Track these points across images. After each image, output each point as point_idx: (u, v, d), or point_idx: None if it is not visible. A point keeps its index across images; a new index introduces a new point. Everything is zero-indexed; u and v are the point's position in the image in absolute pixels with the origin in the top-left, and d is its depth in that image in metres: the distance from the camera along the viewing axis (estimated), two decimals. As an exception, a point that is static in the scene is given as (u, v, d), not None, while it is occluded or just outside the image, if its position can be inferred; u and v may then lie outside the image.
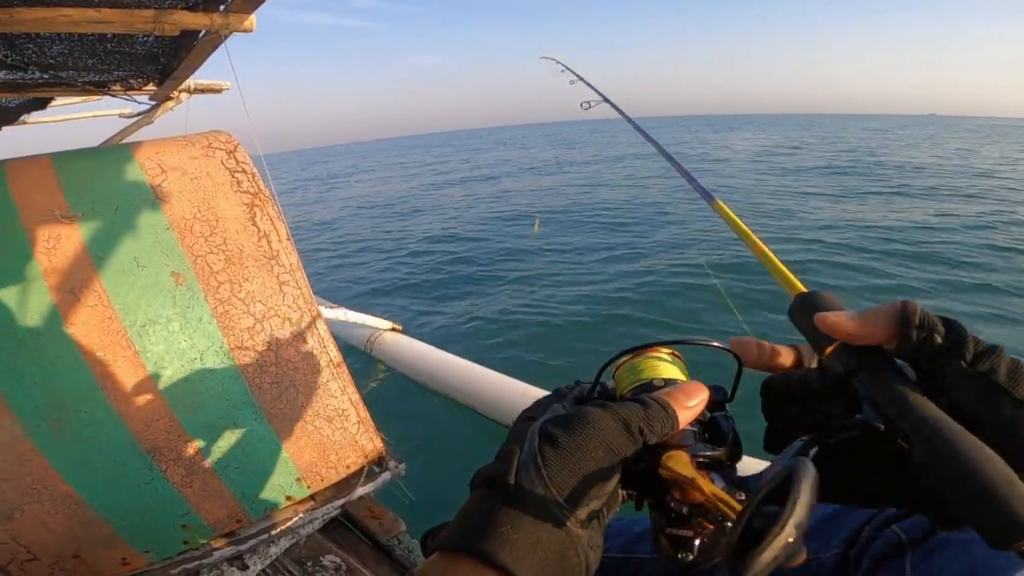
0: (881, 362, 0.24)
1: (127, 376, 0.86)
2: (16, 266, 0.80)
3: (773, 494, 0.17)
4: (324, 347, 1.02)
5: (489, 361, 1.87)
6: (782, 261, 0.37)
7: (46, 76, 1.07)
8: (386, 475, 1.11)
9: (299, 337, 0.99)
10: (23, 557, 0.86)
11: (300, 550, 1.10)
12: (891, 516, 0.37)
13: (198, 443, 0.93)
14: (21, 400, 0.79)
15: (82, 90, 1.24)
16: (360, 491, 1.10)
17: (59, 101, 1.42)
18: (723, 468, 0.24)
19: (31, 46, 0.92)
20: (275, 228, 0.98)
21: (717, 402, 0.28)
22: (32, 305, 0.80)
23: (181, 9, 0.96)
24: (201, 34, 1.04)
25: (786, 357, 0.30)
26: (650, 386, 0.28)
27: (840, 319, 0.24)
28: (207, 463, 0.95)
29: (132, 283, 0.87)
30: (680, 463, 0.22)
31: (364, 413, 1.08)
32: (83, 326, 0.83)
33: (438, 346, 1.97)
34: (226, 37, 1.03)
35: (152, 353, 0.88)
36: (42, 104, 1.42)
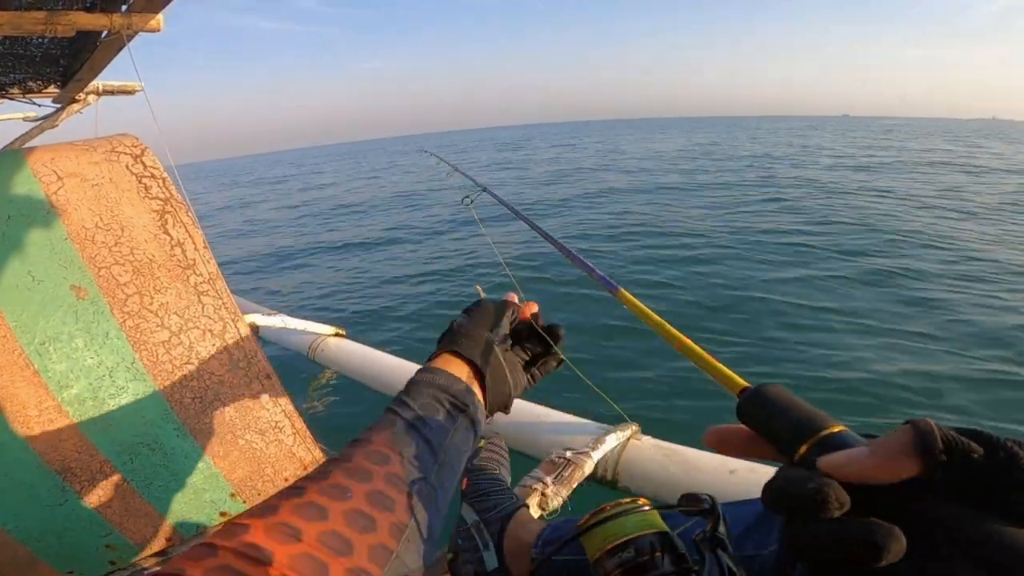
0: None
1: (28, 396, 0.81)
2: None
3: None
4: (251, 358, 0.97)
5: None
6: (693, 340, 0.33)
7: None
8: (326, 485, 1.08)
9: (223, 349, 0.94)
10: None
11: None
12: None
13: (114, 462, 0.88)
14: (-96, 428, 0.73)
15: None
16: (299, 502, 1.06)
17: None
18: None
19: None
20: (190, 236, 0.92)
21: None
22: (-91, 327, 0.73)
23: (77, 10, 0.88)
24: (103, 34, 0.96)
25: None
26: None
27: (857, 463, 0.19)
28: (126, 483, 0.90)
29: (28, 299, 0.81)
30: None
31: (300, 424, 1.03)
32: (-28, 347, 0.77)
33: (381, 349, 1.92)
34: (130, 38, 0.95)
35: (55, 372, 0.82)
36: None
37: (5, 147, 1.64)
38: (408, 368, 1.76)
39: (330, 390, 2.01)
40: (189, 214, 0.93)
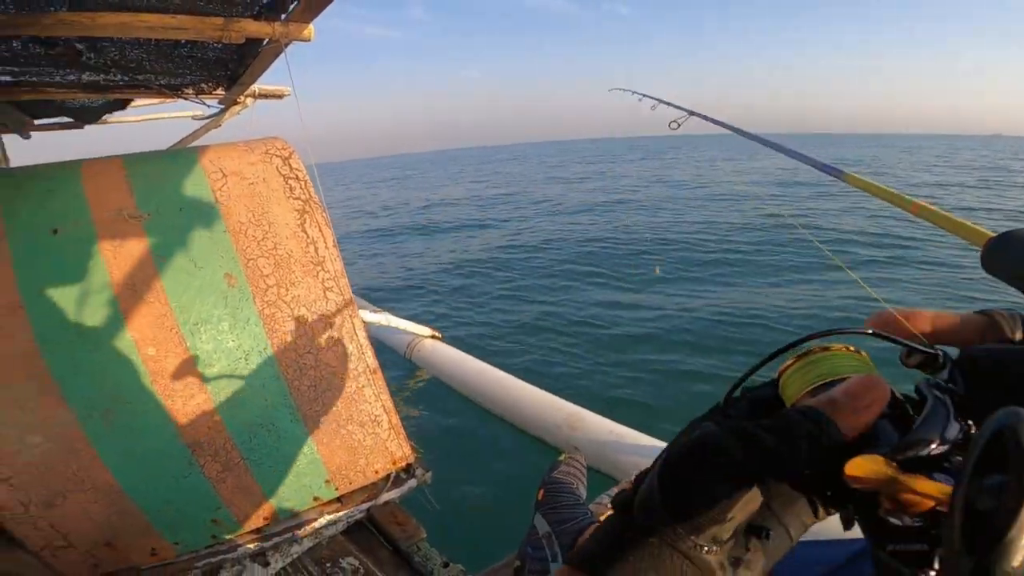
0: None
1: (178, 372, 0.88)
2: (83, 261, 0.82)
3: (986, 461, 0.14)
4: (362, 353, 1.03)
5: (525, 372, 1.88)
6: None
7: (126, 78, 1.10)
8: (412, 482, 1.11)
9: (339, 342, 1.00)
10: (58, 543, 0.86)
11: (321, 550, 1.09)
12: None
13: (236, 440, 0.94)
14: (76, 390, 0.81)
15: (158, 92, 1.28)
16: (386, 496, 1.09)
17: (137, 102, 1.47)
18: (943, 461, 0.19)
19: (112, 49, 0.95)
20: (322, 235, 1.00)
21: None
22: (95, 299, 0.82)
23: (246, 18, 0.99)
24: (264, 42, 1.07)
25: (947, 323, 0.24)
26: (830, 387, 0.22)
27: None
28: (243, 461, 0.96)
29: (189, 283, 0.89)
30: (867, 467, 0.18)
31: (396, 420, 1.08)
32: (140, 322, 0.85)
33: (476, 356, 1.96)
34: (286, 45, 1.06)
35: (202, 351, 0.89)
36: (122, 105, 1.47)
37: (176, 143, 1.79)
38: (499, 378, 1.76)
39: (420, 389, 2.04)
40: (324, 214, 1.01)
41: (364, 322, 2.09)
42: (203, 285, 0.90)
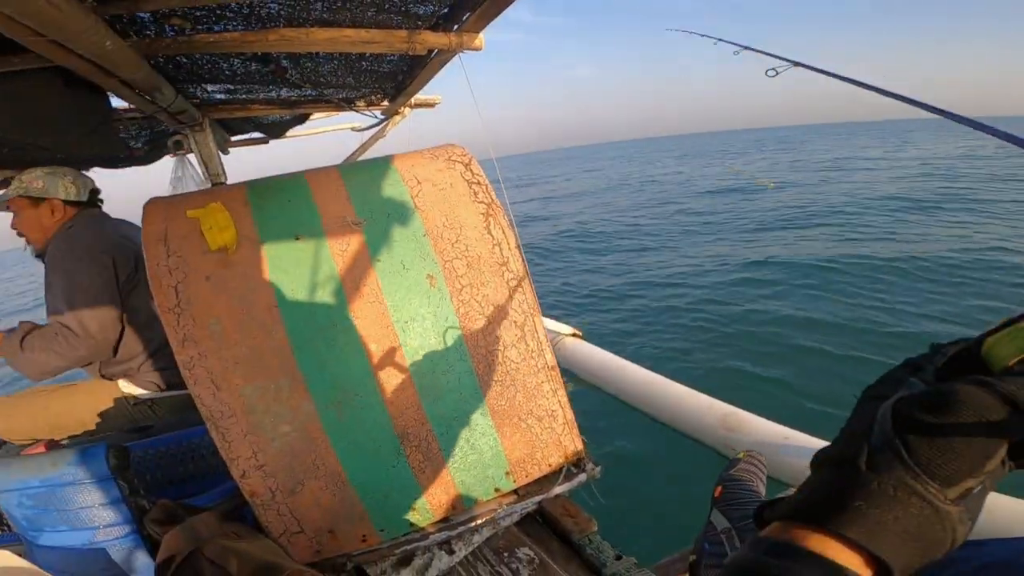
0: None
1: (392, 365, 0.94)
2: (319, 265, 0.89)
3: None
4: (542, 350, 1.05)
5: (673, 370, 1.85)
6: None
7: (314, 93, 1.20)
8: (582, 476, 1.13)
9: (522, 339, 1.04)
10: (293, 529, 0.94)
11: (498, 540, 1.13)
12: None
13: (436, 432, 0.99)
14: (317, 383, 0.88)
15: (336, 106, 1.38)
16: (558, 489, 1.11)
17: (313, 116, 1.60)
18: None
19: (309, 65, 1.04)
20: (506, 236, 1.04)
21: None
22: (330, 299, 0.89)
23: (426, 30, 1.05)
24: (434, 52, 1.13)
25: None
26: None
27: None
28: (440, 451, 1.00)
29: (399, 283, 0.94)
30: None
31: (570, 415, 1.10)
32: (364, 319, 0.91)
33: (617, 353, 1.98)
34: (453, 56, 1.11)
35: (410, 346, 0.95)
36: (304, 119, 1.60)
37: (351, 155, 1.94)
38: (643, 375, 1.75)
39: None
40: (506, 217, 1.05)
41: None
42: (411, 285, 0.95)
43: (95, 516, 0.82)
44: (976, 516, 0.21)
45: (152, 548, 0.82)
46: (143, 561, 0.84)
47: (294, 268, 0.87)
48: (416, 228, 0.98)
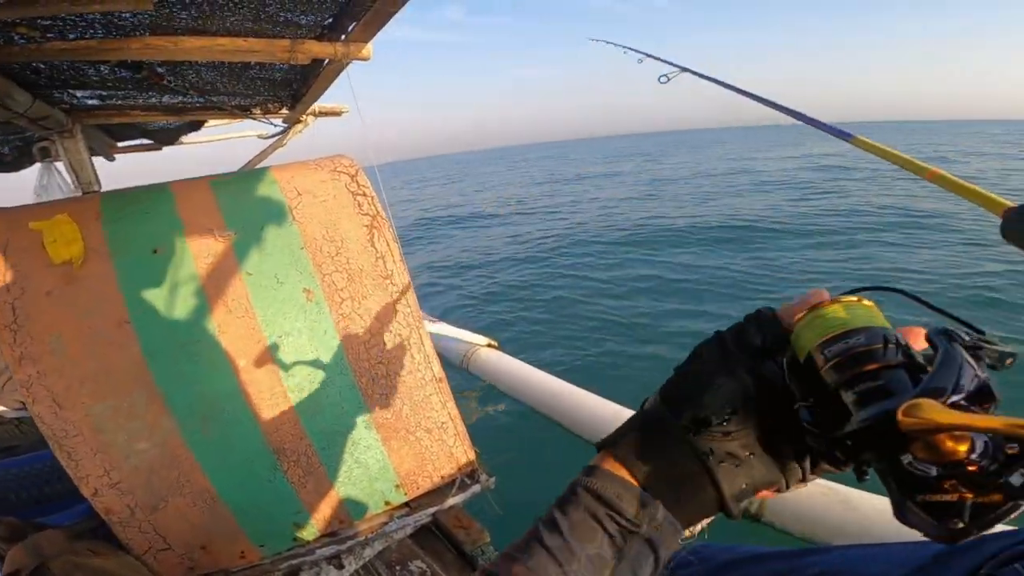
0: None
1: (264, 381, 0.92)
2: (182, 279, 0.87)
3: None
4: (429, 363, 1.05)
5: (583, 380, 1.83)
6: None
7: (202, 100, 1.17)
8: (476, 487, 1.12)
9: (407, 352, 1.03)
10: (159, 547, 0.92)
11: (391, 554, 1.12)
12: (1015, 554, 0.33)
13: (316, 447, 0.97)
14: (178, 399, 0.86)
15: (230, 113, 1.35)
16: (451, 501, 1.11)
17: (209, 123, 1.56)
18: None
19: (191, 72, 1.01)
20: (390, 249, 1.03)
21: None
22: (193, 314, 0.87)
23: (311, 39, 1.03)
24: (325, 62, 1.12)
25: None
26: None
27: None
28: (321, 466, 0.99)
29: (273, 297, 0.93)
30: (929, 410, 0.18)
31: (461, 427, 1.10)
32: (232, 334, 0.89)
33: (534, 364, 1.97)
34: (347, 65, 1.10)
35: (286, 362, 0.93)
36: (197, 126, 1.56)
37: (248, 163, 1.90)
38: (555, 386, 1.76)
39: (478, 398, 2.07)
40: (391, 230, 1.04)
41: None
42: (285, 299, 0.94)
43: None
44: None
45: (-6, 569, 0.79)
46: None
47: (151, 282, 0.85)
48: (293, 241, 0.96)
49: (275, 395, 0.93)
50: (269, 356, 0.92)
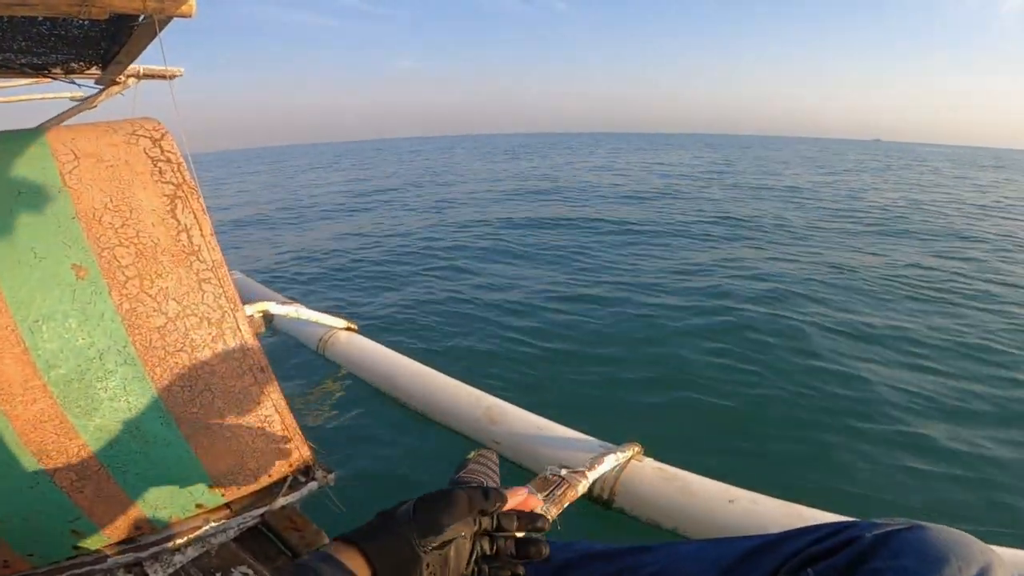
0: None
1: (15, 374, 0.77)
2: None
3: None
4: (246, 350, 0.94)
5: (446, 365, 1.80)
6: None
7: None
8: (312, 485, 1.04)
9: (218, 339, 0.92)
10: None
11: (211, 559, 1.01)
12: (807, 558, 0.34)
13: (92, 447, 0.84)
14: None
15: (20, 72, 1.14)
16: (282, 501, 1.01)
17: (2, 83, 1.32)
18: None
19: None
20: (197, 222, 0.91)
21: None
22: (-99, 292, 0.71)
23: None
24: (141, 18, 0.96)
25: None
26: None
27: None
28: (103, 468, 0.86)
29: (28, 275, 0.78)
30: None
31: (290, 420, 1.00)
32: (-37, 318, 0.74)
33: (395, 348, 1.86)
34: (162, 24, 0.95)
35: (44, 350, 0.79)
36: None
37: (41, 124, 1.63)
38: (417, 371, 1.69)
39: (333, 387, 1.93)
40: (200, 201, 0.92)
41: (270, 314, 1.97)
42: (45, 277, 0.79)
43: None
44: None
45: None
46: None
47: None
48: (61, 210, 0.82)
49: (31, 390, 0.78)
50: (22, 344, 0.78)
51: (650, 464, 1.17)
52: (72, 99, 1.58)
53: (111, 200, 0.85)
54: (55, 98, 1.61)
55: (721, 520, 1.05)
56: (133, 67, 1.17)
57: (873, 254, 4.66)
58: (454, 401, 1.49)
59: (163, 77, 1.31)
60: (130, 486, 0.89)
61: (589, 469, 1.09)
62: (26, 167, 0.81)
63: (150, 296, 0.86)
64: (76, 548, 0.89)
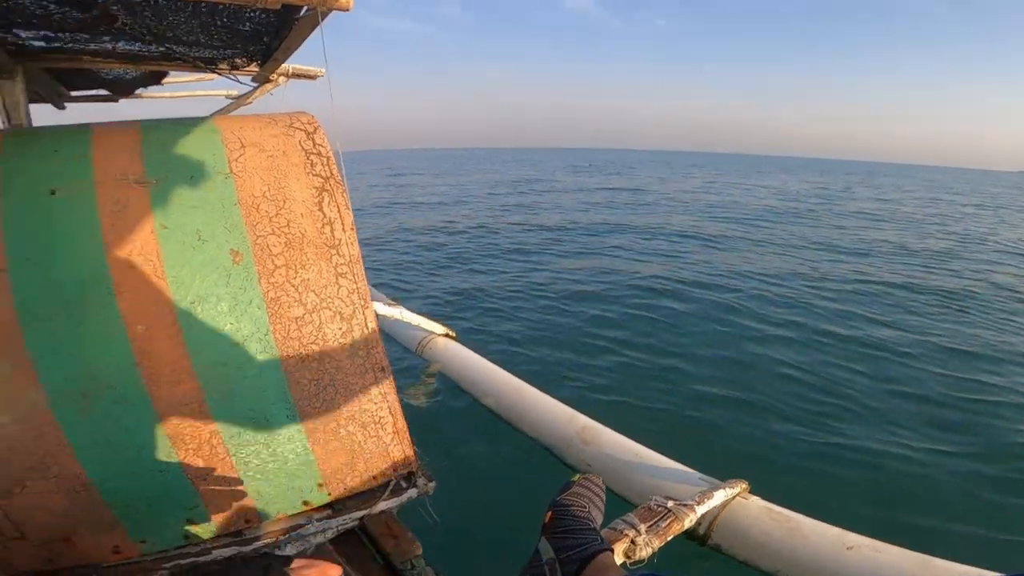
0: None
1: (166, 354, 0.77)
2: (79, 226, 0.72)
3: None
4: (371, 348, 0.93)
5: (544, 382, 1.72)
6: None
7: (162, 49, 1.02)
8: (412, 492, 1.00)
9: (348, 334, 0.91)
10: (11, 534, 0.74)
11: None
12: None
13: (223, 434, 0.83)
14: (52, 368, 0.70)
15: (192, 66, 1.20)
16: (382, 505, 0.99)
17: (172, 78, 1.39)
18: None
19: (148, 14, 0.87)
20: (340, 216, 0.91)
21: None
22: (86, 268, 0.72)
23: None
24: (302, 12, 1.00)
25: None
26: None
27: None
28: (228, 457, 0.85)
29: (190, 257, 0.79)
30: None
31: (402, 423, 0.98)
32: (132, 296, 0.75)
33: (491, 359, 1.83)
34: (324, 16, 0.98)
35: (196, 332, 0.79)
36: (157, 79, 1.39)
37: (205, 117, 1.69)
38: (511, 382, 1.66)
39: (428, 391, 1.89)
40: (345, 195, 0.92)
41: (376, 314, 1.98)
42: (206, 260, 0.80)
43: None
44: None
45: None
46: None
47: (40, 227, 0.70)
48: (226, 196, 0.83)
49: (178, 371, 0.78)
50: (176, 324, 0.78)
51: (757, 502, 1.11)
52: (227, 96, 1.65)
53: (268, 189, 0.86)
54: (213, 95, 1.68)
55: (833, 568, 0.98)
56: (284, 66, 1.22)
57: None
58: (548, 417, 1.45)
59: (308, 77, 1.36)
60: (249, 477, 0.87)
61: (697, 503, 1.04)
62: (199, 153, 0.83)
63: (293, 286, 0.86)
64: (186, 538, 0.87)
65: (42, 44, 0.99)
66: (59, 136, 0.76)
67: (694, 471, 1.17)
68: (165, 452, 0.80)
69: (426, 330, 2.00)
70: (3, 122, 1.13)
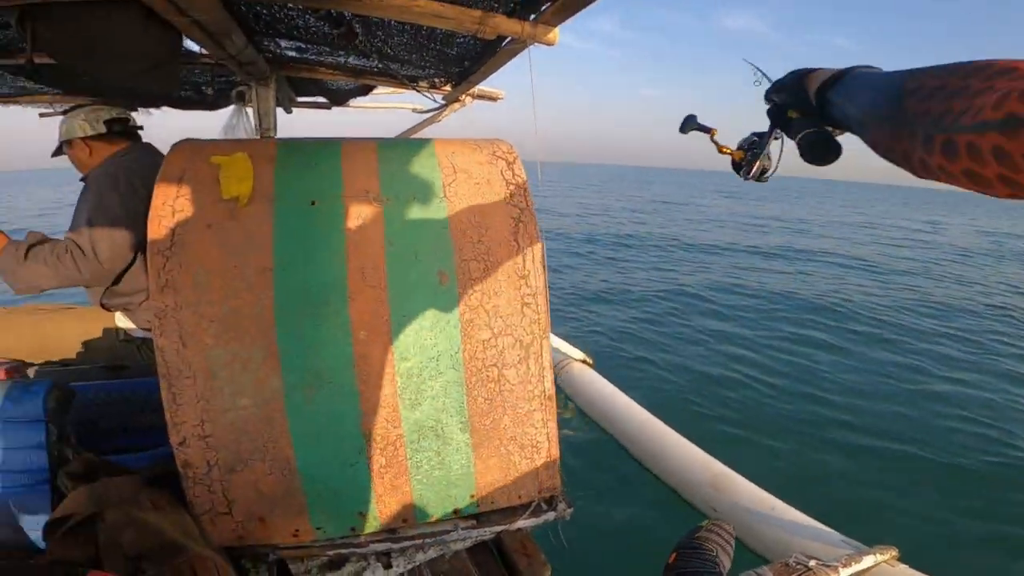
0: None
1: (377, 359, 0.83)
2: (330, 237, 0.78)
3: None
4: (542, 376, 0.96)
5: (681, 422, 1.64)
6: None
7: (380, 65, 1.09)
8: (551, 515, 1.03)
9: (524, 361, 0.94)
10: (220, 509, 0.82)
11: (443, 564, 1.02)
12: None
13: (406, 437, 0.88)
14: (293, 362, 0.77)
15: (399, 82, 1.28)
16: (521, 523, 1.01)
17: (377, 91, 1.49)
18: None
19: (380, 34, 0.93)
20: (532, 247, 0.94)
21: None
22: (331, 274, 0.78)
23: (502, 14, 0.95)
24: (505, 42, 1.03)
25: None
26: None
27: None
28: (405, 460, 0.90)
29: (407, 273, 0.84)
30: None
31: (556, 450, 1.00)
32: (361, 304, 0.81)
33: (627, 391, 1.82)
34: (526, 47, 1.01)
35: (402, 342, 0.84)
36: (366, 91, 1.49)
37: (401, 134, 1.81)
38: (643, 418, 1.61)
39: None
40: (536, 227, 0.95)
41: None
42: (419, 279, 0.85)
43: (9, 459, 0.70)
44: None
45: (57, 503, 0.70)
46: (38, 518, 0.71)
47: (302, 235, 0.77)
48: (440, 218, 0.87)
49: (384, 377, 0.84)
50: (389, 333, 0.83)
51: (905, 571, 1.05)
52: (414, 110, 1.75)
53: (474, 216, 0.90)
54: (400, 108, 1.79)
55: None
56: (473, 88, 1.27)
57: None
58: (679, 459, 1.43)
59: (491, 98, 1.41)
60: (416, 480, 0.92)
61: (843, 566, 1.00)
62: (422, 175, 0.88)
63: (485, 311, 0.90)
64: (352, 529, 0.93)
65: (294, 54, 1.10)
66: (315, 149, 0.83)
67: (834, 531, 1.12)
68: (359, 448, 0.86)
69: (564, 353, 2.00)
70: (255, 125, 1.25)
